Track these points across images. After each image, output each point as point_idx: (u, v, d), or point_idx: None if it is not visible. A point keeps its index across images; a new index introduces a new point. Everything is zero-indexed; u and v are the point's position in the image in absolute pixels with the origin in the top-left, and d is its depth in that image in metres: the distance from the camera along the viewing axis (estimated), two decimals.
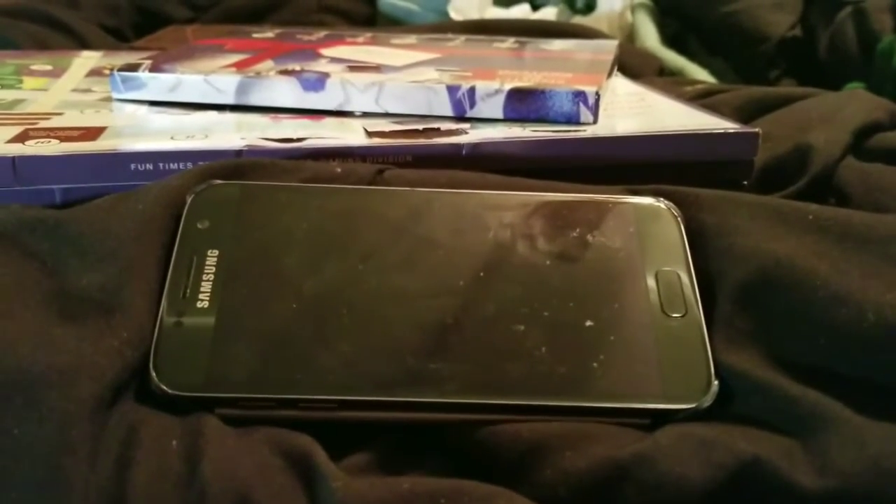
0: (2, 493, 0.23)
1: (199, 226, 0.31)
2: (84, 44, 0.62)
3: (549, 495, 0.25)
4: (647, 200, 0.34)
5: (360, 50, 0.49)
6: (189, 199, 0.31)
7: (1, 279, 0.28)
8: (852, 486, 0.24)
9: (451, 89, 0.41)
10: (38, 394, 0.24)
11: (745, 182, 0.40)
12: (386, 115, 0.42)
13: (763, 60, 0.68)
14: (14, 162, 0.34)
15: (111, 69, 0.44)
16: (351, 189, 0.33)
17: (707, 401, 0.28)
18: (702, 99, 0.50)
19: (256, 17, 0.71)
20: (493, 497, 0.24)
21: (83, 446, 0.24)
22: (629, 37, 0.73)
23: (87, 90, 0.46)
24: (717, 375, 0.28)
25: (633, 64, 0.60)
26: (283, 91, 0.42)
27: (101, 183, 0.35)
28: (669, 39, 0.73)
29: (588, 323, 0.29)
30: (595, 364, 0.28)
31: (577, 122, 0.40)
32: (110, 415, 0.25)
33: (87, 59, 0.53)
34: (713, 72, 0.67)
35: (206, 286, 0.29)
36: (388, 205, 0.33)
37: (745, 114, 0.47)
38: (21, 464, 0.23)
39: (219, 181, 0.32)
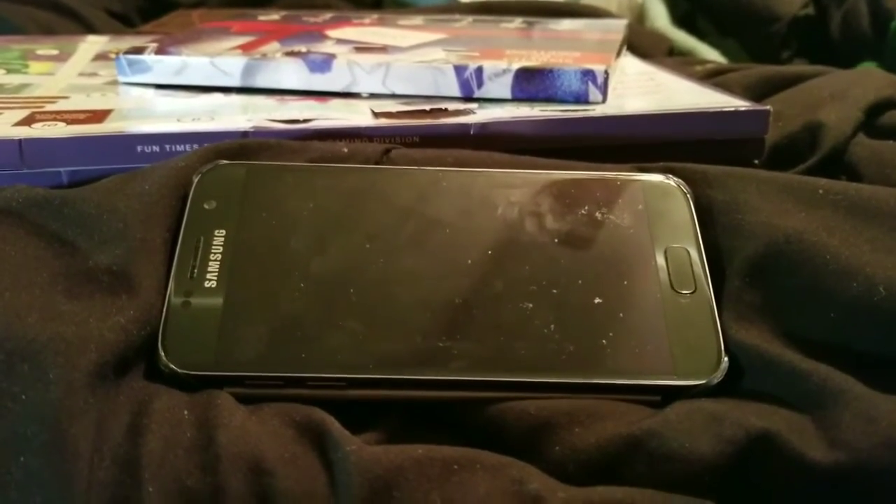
0: (11, 455, 0.23)
1: (205, 206, 0.31)
2: (90, 29, 0.62)
3: (558, 471, 0.25)
4: (656, 177, 0.33)
5: (366, 31, 0.49)
6: (195, 180, 0.31)
7: (8, 257, 0.28)
8: (863, 461, 0.23)
9: (459, 69, 0.40)
10: (45, 361, 0.24)
11: (757, 161, 0.40)
12: (393, 96, 0.41)
13: (775, 40, 0.67)
14: (21, 144, 0.34)
15: (117, 53, 0.44)
16: (358, 168, 0.33)
17: (717, 377, 0.28)
18: (712, 78, 0.49)
19: (262, 0, 0.71)
20: (506, 466, 0.24)
21: (89, 413, 0.24)
22: (639, 17, 0.73)
23: (94, 74, 0.46)
24: (727, 352, 0.28)
25: (642, 44, 0.60)
26: (290, 73, 0.42)
27: (107, 165, 0.35)
28: (679, 20, 0.72)
29: (597, 300, 0.29)
30: (604, 341, 0.28)
31: (586, 102, 0.40)
32: (119, 388, 0.25)
33: (93, 43, 0.53)
34: (724, 52, 0.67)
35: (213, 266, 0.29)
36: (395, 184, 0.32)
37: (755, 93, 0.47)
38: (29, 428, 0.23)
39: (225, 161, 0.32)
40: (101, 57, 0.49)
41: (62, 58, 0.49)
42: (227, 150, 0.33)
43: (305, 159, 0.33)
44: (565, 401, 0.27)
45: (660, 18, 0.70)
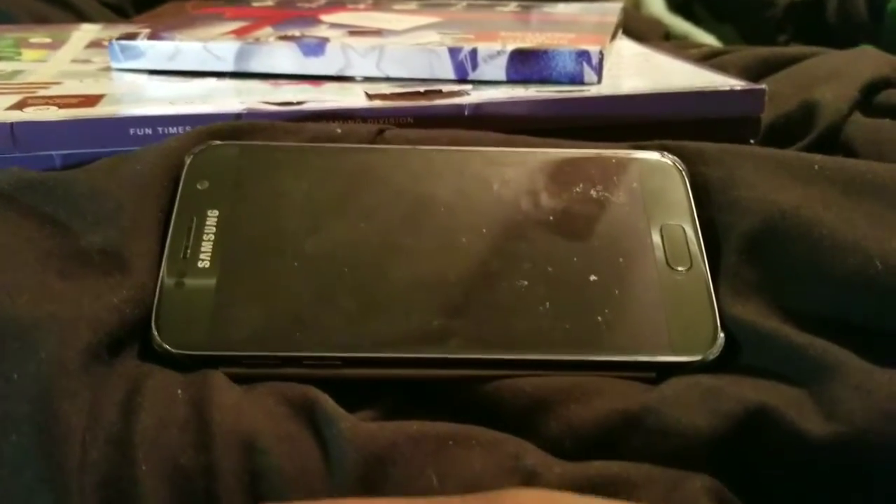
0: (2, 435, 0.23)
1: (198, 186, 0.31)
2: (83, 19, 0.61)
3: (554, 448, 0.25)
4: (651, 155, 0.33)
5: (360, 16, 0.49)
6: (188, 160, 0.31)
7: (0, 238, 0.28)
8: (861, 432, 0.23)
9: (453, 51, 0.40)
10: (36, 340, 0.24)
11: (753, 140, 0.39)
12: (387, 79, 0.41)
13: (771, 25, 0.67)
14: (12, 128, 0.34)
15: (110, 39, 0.43)
16: (351, 148, 0.33)
17: (713, 353, 0.28)
18: (707, 60, 0.49)
19: None
20: (501, 441, 0.24)
21: (81, 392, 0.24)
22: (635, 3, 0.72)
23: (87, 61, 0.46)
24: (724, 327, 0.28)
25: (638, 30, 0.59)
26: (283, 57, 0.41)
27: (100, 148, 0.34)
28: (675, 6, 0.72)
29: (592, 278, 0.29)
30: (599, 318, 0.28)
31: (581, 83, 0.40)
32: (112, 368, 0.25)
33: (87, 31, 0.52)
34: (720, 38, 0.67)
35: (206, 246, 0.29)
36: (389, 163, 0.32)
37: (751, 74, 0.46)
38: (20, 407, 0.23)
39: (218, 142, 0.32)
40: (95, 44, 0.49)
41: (55, 45, 0.49)
42: (219, 132, 0.33)
43: (299, 140, 0.33)
44: (561, 378, 0.27)
45: (655, 4, 0.70)
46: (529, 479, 0.24)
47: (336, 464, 0.24)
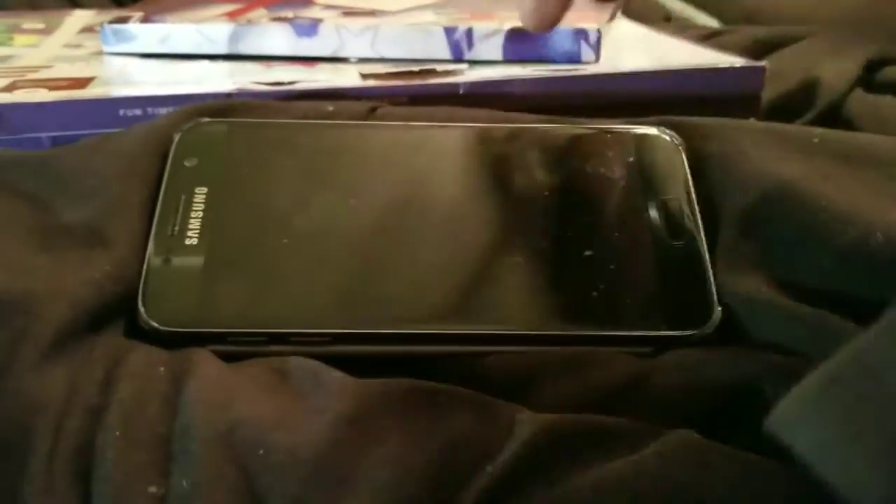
0: None
1: (186, 163, 0.30)
2: (78, 6, 0.61)
3: None
4: (648, 130, 0.33)
5: None
6: (176, 137, 0.31)
7: None
8: None
9: (448, 31, 0.40)
10: (13, 316, 0.24)
11: (753, 119, 0.39)
12: (382, 60, 0.41)
13: None
14: (0, 110, 0.34)
15: (102, 24, 0.43)
16: (342, 124, 0.33)
17: (710, 327, 0.27)
18: (708, 40, 0.48)
19: None
20: (491, 401, 0.24)
21: (59, 366, 0.23)
22: None
23: (79, 45, 0.45)
24: (721, 302, 0.28)
25: (638, 13, 0.59)
26: (277, 38, 0.41)
27: (89, 130, 0.34)
28: None
29: (587, 252, 0.29)
30: (595, 293, 0.28)
31: (579, 61, 0.39)
32: (94, 344, 0.25)
33: (80, 17, 0.52)
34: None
35: (194, 223, 0.29)
36: (380, 140, 0.32)
37: (751, 54, 0.46)
38: None
39: (207, 119, 0.32)
40: (87, 30, 0.49)
41: (48, 31, 0.48)
42: (209, 110, 0.32)
43: (290, 118, 0.33)
44: (552, 352, 0.26)
45: None
46: (514, 426, 0.23)
47: (324, 412, 0.23)
